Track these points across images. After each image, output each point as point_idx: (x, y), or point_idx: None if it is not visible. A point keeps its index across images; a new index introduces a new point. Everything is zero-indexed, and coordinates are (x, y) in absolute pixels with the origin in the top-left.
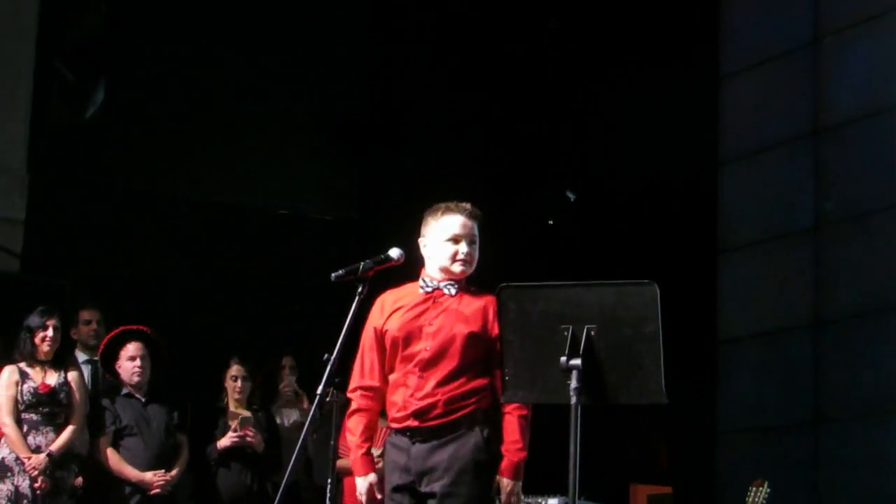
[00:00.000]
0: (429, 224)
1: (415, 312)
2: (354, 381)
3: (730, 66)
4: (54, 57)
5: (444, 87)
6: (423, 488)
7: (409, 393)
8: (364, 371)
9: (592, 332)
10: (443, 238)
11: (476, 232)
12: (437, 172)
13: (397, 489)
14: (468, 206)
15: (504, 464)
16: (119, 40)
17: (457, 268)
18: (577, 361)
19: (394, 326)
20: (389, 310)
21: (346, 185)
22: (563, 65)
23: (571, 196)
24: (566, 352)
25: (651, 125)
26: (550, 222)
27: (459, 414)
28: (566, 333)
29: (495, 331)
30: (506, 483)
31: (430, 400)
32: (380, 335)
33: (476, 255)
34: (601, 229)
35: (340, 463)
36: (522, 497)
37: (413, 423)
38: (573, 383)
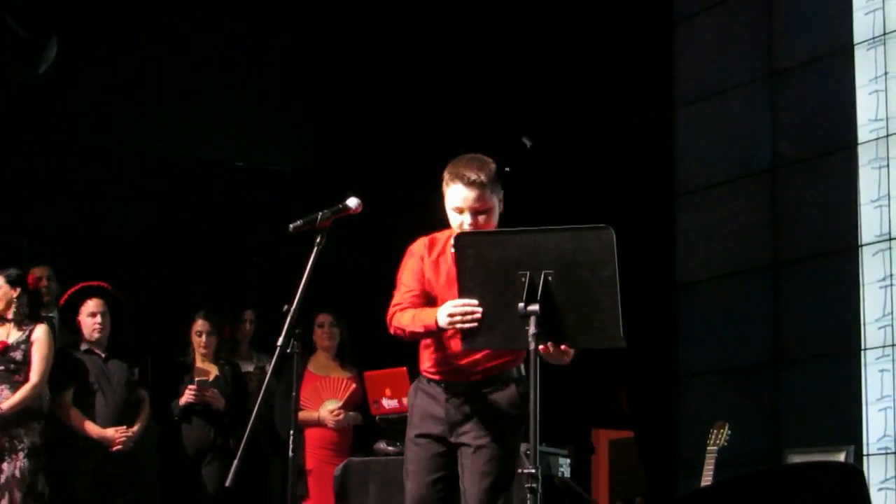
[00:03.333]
0: (442, 185)
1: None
2: (397, 298)
3: (684, 8)
4: (6, 12)
5: (400, 36)
6: (454, 439)
7: (451, 354)
8: (405, 287)
9: (550, 278)
10: (450, 206)
11: (486, 197)
12: (393, 122)
13: (425, 436)
14: (471, 174)
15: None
16: None
17: None
18: (534, 307)
19: (434, 278)
20: (433, 256)
21: (303, 136)
22: (517, 12)
23: (528, 142)
24: (524, 297)
25: (606, 69)
26: (507, 169)
27: (499, 371)
28: (524, 279)
29: None
30: None
31: (473, 357)
32: (419, 273)
33: (487, 219)
34: (558, 175)
35: (302, 415)
36: None
37: (453, 378)
38: (531, 329)
